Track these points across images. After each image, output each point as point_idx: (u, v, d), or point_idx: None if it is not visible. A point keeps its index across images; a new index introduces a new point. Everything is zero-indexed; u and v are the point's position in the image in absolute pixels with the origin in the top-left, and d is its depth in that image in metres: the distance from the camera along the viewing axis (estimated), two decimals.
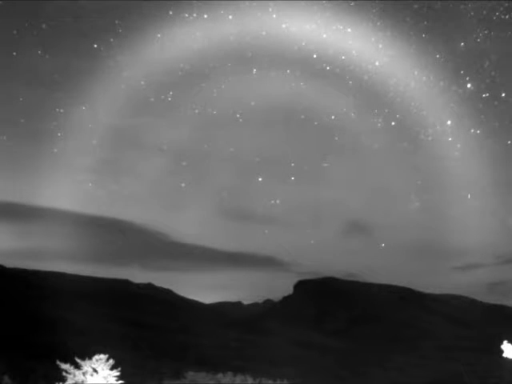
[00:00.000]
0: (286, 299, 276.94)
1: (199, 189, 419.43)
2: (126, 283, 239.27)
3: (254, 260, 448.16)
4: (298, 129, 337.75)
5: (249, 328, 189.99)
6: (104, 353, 26.06)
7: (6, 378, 43.77)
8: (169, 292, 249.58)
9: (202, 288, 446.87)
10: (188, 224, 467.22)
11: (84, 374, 25.00)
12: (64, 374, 24.96)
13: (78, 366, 25.20)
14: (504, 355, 39.88)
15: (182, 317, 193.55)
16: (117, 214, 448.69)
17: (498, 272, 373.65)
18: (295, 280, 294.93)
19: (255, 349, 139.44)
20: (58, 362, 25.27)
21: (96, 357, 25.43)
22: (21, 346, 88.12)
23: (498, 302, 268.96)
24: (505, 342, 40.09)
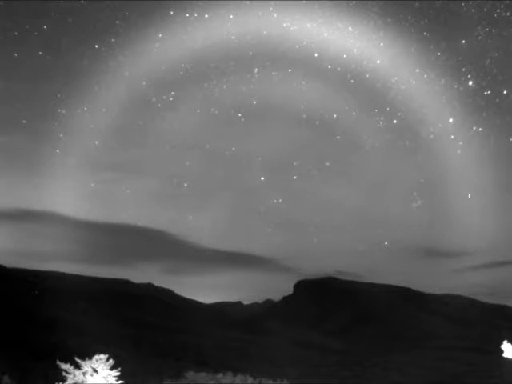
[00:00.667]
0: (286, 299, 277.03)
1: (201, 188, 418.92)
2: (125, 283, 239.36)
3: (254, 260, 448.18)
4: (299, 128, 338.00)
5: (249, 328, 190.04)
6: (104, 353, 26.04)
7: (6, 378, 43.72)
8: (169, 292, 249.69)
9: (202, 288, 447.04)
10: (188, 224, 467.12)
11: (84, 374, 24.99)
12: (64, 373, 24.94)
13: (78, 366, 25.18)
14: (504, 355, 39.87)
15: (181, 317, 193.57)
16: (118, 215, 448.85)
17: (498, 272, 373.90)
18: (295, 280, 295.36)
19: (255, 349, 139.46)
20: (58, 362, 25.26)
21: (96, 357, 25.41)
22: (21, 346, 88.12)
23: (498, 302, 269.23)
24: (505, 342, 40.09)
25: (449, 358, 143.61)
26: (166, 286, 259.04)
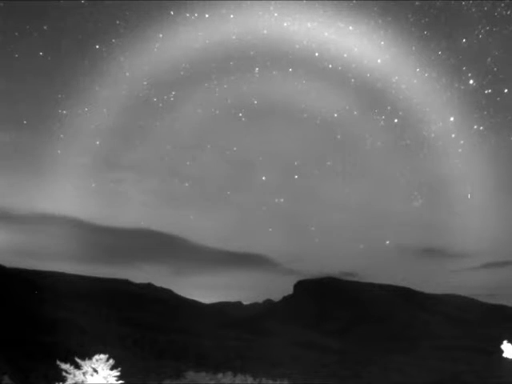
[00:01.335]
0: (285, 299, 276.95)
1: (202, 188, 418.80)
2: (126, 283, 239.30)
3: (254, 260, 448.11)
4: (300, 127, 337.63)
5: (249, 328, 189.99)
6: (104, 353, 26.07)
7: (6, 378, 43.76)
8: (169, 292, 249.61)
9: (202, 288, 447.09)
10: (189, 224, 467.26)
11: (84, 374, 25.00)
12: (64, 373, 24.96)
13: (78, 366, 25.20)
14: (504, 355, 39.93)
15: (181, 317, 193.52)
16: (119, 215, 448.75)
17: (498, 272, 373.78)
18: (295, 280, 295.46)
19: (255, 349, 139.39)
20: (58, 362, 25.28)
21: (96, 357, 25.44)
22: (21, 346, 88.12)
23: (498, 302, 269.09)
24: (505, 342, 40.15)
25: (449, 358, 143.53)
26: (165, 286, 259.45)
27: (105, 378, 25.25)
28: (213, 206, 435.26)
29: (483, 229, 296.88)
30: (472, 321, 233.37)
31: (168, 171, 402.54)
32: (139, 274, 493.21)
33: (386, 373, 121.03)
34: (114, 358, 25.99)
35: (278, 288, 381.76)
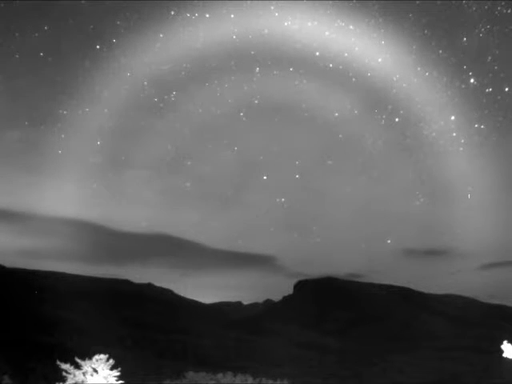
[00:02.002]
0: (285, 299, 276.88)
1: (203, 188, 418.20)
2: (126, 283, 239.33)
3: (254, 260, 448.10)
4: (301, 126, 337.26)
5: (249, 328, 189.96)
6: (104, 353, 26.07)
7: (6, 378, 43.79)
8: (169, 292, 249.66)
9: (202, 288, 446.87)
10: (190, 224, 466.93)
11: (84, 374, 25.01)
12: (64, 373, 24.96)
13: (78, 366, 25.20)
14: (504, 355, 39.91)
15: (182, 317, 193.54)
16: (120, 215, 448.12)
17: (498, 272, 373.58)
18: (295, 280, 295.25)
19: (255, 349, 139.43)
20: (58, 362, 25.28)
21: (96, 357, 25.44)
22: (21, 345, 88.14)
23: (498, 302, 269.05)
24: (505, 342, 40.13)
25: (449, 358, 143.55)
26: (165, 286, 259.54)
27: (105, 377, 25.26)
28: (213, 206, 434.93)
29: (484, 228, 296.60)
30: (472, 321, 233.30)
31: (169, 171, 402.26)
32: (139, 274, 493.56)
33: (386, 373, 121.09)
34: (114, 358, 25.99)
35: (278, 288, 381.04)
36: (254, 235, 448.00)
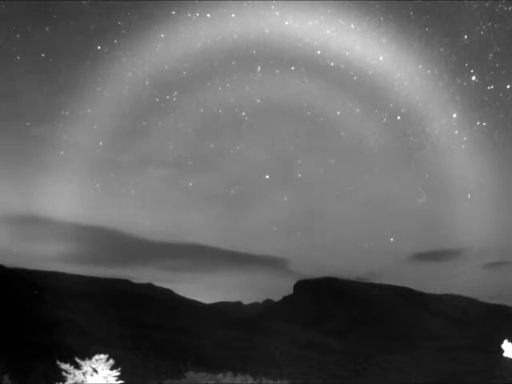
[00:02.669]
0: (285, 299, 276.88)
1: (205, 188, 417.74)
2: (126, 283, 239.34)
3: (254, 260, 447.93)
4: (303, 125, 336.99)
5: (249, 328, 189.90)
6: (104, 353, 26.06)
7: (6, 378, 43.76)
8: (169, 292, 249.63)
9: (202, 288, 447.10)
10: (190, 224, 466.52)
11: (84, 374, 25.00)
12: (64, 373, 24.95)
13: (78, 366, 25.19)
14: (504, 355, 39.86)
15: (181, 317, 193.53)
16: (121, 215, 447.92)
17: (498, 272, 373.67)
18: (295, 280, 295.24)
19: (255, 349, 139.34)
20: (58, 362, 25.27)
21: (96, 357, 25.44)
22: (21, 345, 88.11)
23: (498, 302, 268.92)
24: (505, 342, 40.09)
25: (449, 358, 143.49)
26: (165, 286, 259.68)
27: (105, 377, 25.25)
28: (215, 206, 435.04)
29: (485, 227, 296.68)
30: (472, 321, 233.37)
31: (170, 171, 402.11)
32: (139, 274, 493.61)
33: (386, 373, 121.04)
34: (114, 358, 25.99)
35: (278, 288, 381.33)
36: (256, 235, 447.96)
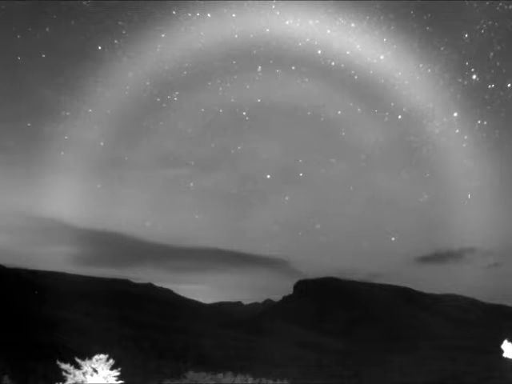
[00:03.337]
0: (285, 299, 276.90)
1: (206, 188, 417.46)
2: (126, 283, 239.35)
3: (254, 260, 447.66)
4: (304, 125, 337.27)
5: (249, 328, 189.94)
6: (104, 353, 26.03)
7: (6, 378, 43.79)
8: (169, 292, 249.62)
9: (202, 288, 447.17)
10: (191, 223, 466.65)
11: (84, 374, 24.99)
12: (64, 373, 24.94)
13: (78, 366, 25.18)
14: (504, 355, 39.73)
15: (182, 317, 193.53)
16: (123, 215, 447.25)
17: (498, 272, 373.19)
18: (295, 280, 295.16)
19: (255, 349, 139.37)
20: (58, 362, 25.26)
21: (96, 357, 25.41)
22: (21, 345, 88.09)
23: (498, 302, 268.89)
24: (505, 342, 39.94)
25: (449, 358, 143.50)
26: (165, 286, 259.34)
27: (105, 377, 25.23)
28: (216, 206, 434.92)
29: (485, 227, 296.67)
30: (472, 321, 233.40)
31: (171, 171, 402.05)
32: (139, 274, 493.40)
33: (386, 373, 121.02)
34: (114, 358, 25.97)
35: (278, 288, 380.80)
36: (256, 235, 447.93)
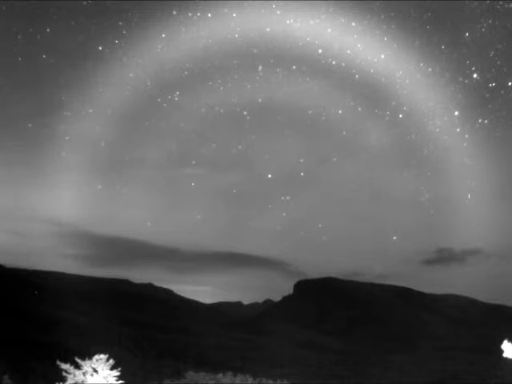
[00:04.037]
0: (285, 299, 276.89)
1: (208, 187, 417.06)
2: (126, 283, 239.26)
3: (254, 260, 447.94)
4: (305, 124, 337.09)
5: (249, 328, 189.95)
6: (104, 353, 26.05)
7: (6, 378, 43.79)
8: (169, 292, 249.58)
9: (202, 288, 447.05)
10: (192, 223, 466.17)
11: (84, 374, 25.00)
12: (64, 373, 24.95)
13: (78, 366, 25.18)
14: (504, 355, 39.80)
15: (182, 317, 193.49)
16: (125, 216, 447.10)
17: (498, 272, 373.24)
18: (295, 280, 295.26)
19: (255, 349, 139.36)
20: (58, 362, 25.27)
21: (96, 357, 25.43)
22: (21, 346, 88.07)
23: (498, 302, 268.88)
24: (505, 342, 40.03)
25: (449, 358, 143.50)
26: (165, 286, 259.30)
27: (105, 377, 25.25)
28: (218, 205, 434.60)
29: (485, 227, 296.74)
30: (472, 321, 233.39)
31: (172, 171, 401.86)
32: (139, 274, 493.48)
33: (386, 373, 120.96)
34: (114, 358, 25.98)
35: (278, 288, 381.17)
36: (257, 235, 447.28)
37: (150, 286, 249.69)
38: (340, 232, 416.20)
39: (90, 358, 25.49)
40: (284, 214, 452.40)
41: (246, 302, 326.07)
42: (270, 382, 44.20)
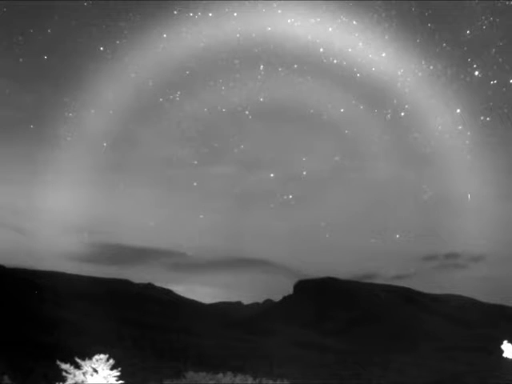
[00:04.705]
0: (285, 299, 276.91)
1: (209, 187, 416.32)
2: (126, 283, 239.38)
3: (254, 260, 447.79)
4: (307, 123, 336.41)
5: (249, 328, 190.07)
6: (104, 353, 26.05)
7: (6, 378, 43.81)
8: (169, 292, 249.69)
9: (202, 288, 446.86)
10: (193, 223, 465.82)
11: (84, 374, 25.00)
12: (64, 373, 24.95)
13: (78, 366, 25.19)
14: (504, 355, 39.77)
15: (182, 317, 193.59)
16: (126, 216, 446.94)
17: (498, 272, 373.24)
18: (295, 280, 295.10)
19: (255, 348, 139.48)
20: (58, 362, 25.27)
21: (96, 357, 25.43)
22: (21, 345, 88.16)
23: (498, 302, 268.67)
24: (505, 342, 40.00)
25: (449, 358, 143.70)
26: (165, 286, 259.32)
27: (105, 377, 25.25)
28: (220, 205, 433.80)
29: (486, 227, 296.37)
30: (472, 321, 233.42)
31: (174, 171, 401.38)
32: (139, 274, 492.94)
33: (386, 373, 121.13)
34: (114, 358, 25.98)
35: (278, 288, 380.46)
36: (258, 235, 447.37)
37: (149, 286, 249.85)
38: (339, 232, 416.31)
39: (90, 358, 25.49)
40: (285, 214, 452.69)
41: (246, 302, 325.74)
42: (270, 381, 44.16)
